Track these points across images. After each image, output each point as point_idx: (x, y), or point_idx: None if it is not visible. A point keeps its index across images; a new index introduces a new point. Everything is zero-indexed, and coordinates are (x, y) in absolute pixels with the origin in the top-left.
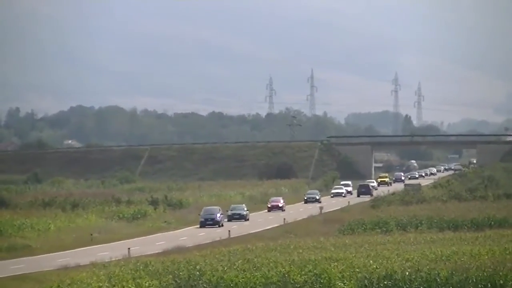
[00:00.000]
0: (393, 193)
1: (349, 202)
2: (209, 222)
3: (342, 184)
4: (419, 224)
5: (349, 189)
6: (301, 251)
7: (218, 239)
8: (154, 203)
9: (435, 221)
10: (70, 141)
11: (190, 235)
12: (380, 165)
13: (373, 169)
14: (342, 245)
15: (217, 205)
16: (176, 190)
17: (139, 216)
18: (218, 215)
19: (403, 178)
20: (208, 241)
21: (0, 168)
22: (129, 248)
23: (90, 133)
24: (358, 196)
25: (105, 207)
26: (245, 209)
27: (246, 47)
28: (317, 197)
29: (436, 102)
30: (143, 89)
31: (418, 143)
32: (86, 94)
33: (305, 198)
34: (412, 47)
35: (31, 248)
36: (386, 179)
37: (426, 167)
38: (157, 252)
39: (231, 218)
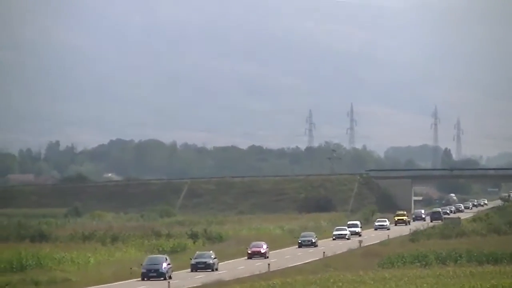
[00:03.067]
0: (433, 227)
1: (388, 236)
2: (152, 273)
3: (351, 224)
4: (458, 258)
5: (357, 229)
6: (340, 284)
7: (257, 272)
8: (193, 236)
9: (475, 254)
10: (109, 175)
11: (229, 269)
12: (420, 198)
13: (412, 202)
14: (381, 279)
15: (257, 240)
16: (216, 223)
17: (178, 249)
18: (164, 265)
19: (423, 215)
20: (247, 275)
21: (40, 201)
22: (169, 282)
23: (130, 166)
24: (431, 221)
25: (145, 241)
26: (213, 256)
27: (286, 81)
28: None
29: (475, 136)
30: (182, 123)
31: (457, 177)
32: (126, 127)
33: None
34: (451, 80)
35: (71, 281)
36: (404, 218)
37: (466, 200)
38: (196, 286)
39: (194, 267)
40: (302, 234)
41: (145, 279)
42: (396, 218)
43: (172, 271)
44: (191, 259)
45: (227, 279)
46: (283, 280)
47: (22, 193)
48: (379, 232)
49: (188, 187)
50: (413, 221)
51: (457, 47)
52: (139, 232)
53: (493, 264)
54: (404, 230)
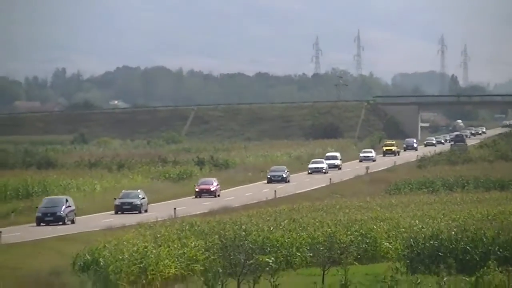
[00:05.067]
0: (440, 153)
1: (395, 162)
2: (48, 217)
3: (329, 156)
4: (465, 184)
5: (337, 162)
6: (347, 211)
7: (264, 199)
8: (200, 163)
9: (482, 181)
10: (116, 102)
11: (236, 195)
12: (427, 125)
13: (419, 129)
14: (388, 205)
15: (264, 166)
16: (222, 150)
17: (185, 176)
18: (63, 207)
19: (415, 145)
20: (255, 201)
21: (47, 128)
22: (175, 208)
23: (136, 93)
24: (455, 143)
25: (151, 168)
26: (141, 196)
27: (292, 7)
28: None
29: (482, 62)
30: (188, 49)
31: (464, 103)
32: (132, 55)
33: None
34: (458, 7)
35: (77, 208)
36: (393, 148)
37: (474, 126)
38: (203, 212)
39: (119, 209)
40: (272, 168)
41: (41, 224)
42: (385, 148)
43: (75, 214)
44: (115, 199)
45: (234, 205)
46: (290, 207)
47: (29, 120)
48: (364, 164)
49: (194, 114)
50: (404, 151)
51: None
52: (145, 159)
53: (500, 190)
54: (412, 156)
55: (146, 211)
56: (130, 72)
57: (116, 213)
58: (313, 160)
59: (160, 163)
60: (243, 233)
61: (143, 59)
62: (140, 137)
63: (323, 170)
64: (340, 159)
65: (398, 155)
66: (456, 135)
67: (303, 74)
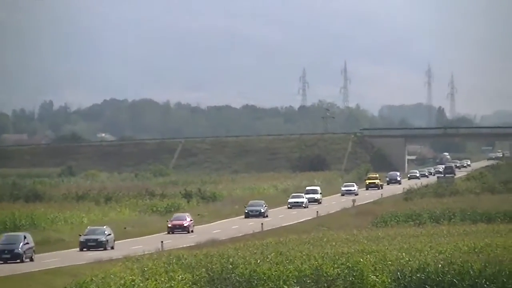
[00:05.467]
0: (426, 185)
1: (382, 194)
2: (5, 254)
3: (309, 190)
4: (452, 217)
5: (317, 196)
6: (334, 243)
7: (251, 232)
8: (187, 196)
9: (469, 213)
10: (103, 134)
11: (223, 228)
12: (413, 157)
13: (406, 161)
14: (375, 237)
15: (251, 198)
16: (210, 183)
17: (172, 209)
18: (21, 244)
19: (399, 178)
20: (241, 234)
21: (34, 161)
22: (162, 242)
23: (124, 126)
24: (444, 176)
25: (139, 201)
26: (107, 232)
27: (279, 39)
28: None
29: (469, 94)
30: (176, 83)
31: (451, 135)
32: (119, 87)
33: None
34: (445, 38)
35: (64, 241)
36: (376, 181)
37: (460, 159)
38: (190, 245)
39: (84, 245)
40: (250, 202)
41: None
42: (368, 181)
43: (34, 252)
44: (80, 235)
45: (221, 238)
46: (277, 240)
47: (16, 153)
48: (345, 198)
49: (182, 147)
50: (387, 184)
51: (452, 2)
52: (133, 192)
53: (487, 223)
54: (398, 188)
55: (112, 247)
56: (117, 105)
57: (81, 250)
58: (292, 194)
59: (148, 196)
60: (230, 266)
61: (130, 92)
62: (127, 170)
63: (303, 205)
64: (320, 193)
65: (382, 188)
66: (446, 167)
67: (289, 106)
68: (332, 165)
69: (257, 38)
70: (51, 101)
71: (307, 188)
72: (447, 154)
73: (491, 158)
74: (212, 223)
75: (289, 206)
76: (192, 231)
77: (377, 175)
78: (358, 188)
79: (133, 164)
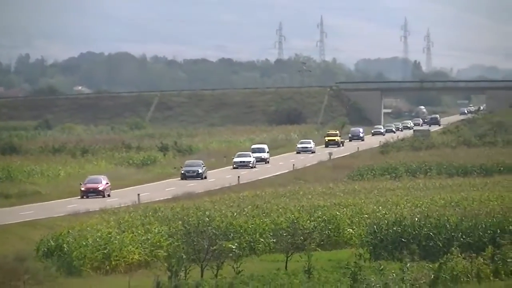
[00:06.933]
0: (403, 139)
1: (358, 148)
2: None
3: (256, 149)
4: (428, 170)
5: (264, 155)
6: (310, 197)
7: (227, 185)
8: (163, 149)
9: (445, 167)
10: (80, 87)
11: (199, 182)
12: (389, 111)
13: (382, 115)
14: (352, 191)
15: (227, 152)
16: (186, 136)
17: (148, 162)
18: None
19: (361, 134)
20: (218, 187)
21: (11, 114)
22: (138, 194)
23: (100, 79)
24: (429, 126)
25: (115, 153)
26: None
27: None
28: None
29: (445, 48)
30: (152, 36)
31: (427, 89)
32: (96, 41)
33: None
34: None
35: (41, 194)
36: (336, 138)
37: (435, 113)
38: (166, 198)
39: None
40: (186, 162)
41: None
42: (327, 138)
43: None
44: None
45: (198, 191)
46: (253, 193)
47: None
48: (301, 156)
49: (158, 100)
50: (350, 141)
51: None
52: (109, 144)
53: (463, 176)
54: (375, 142)
55: (109, 195)
56: (94, 58)
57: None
58: (238, 153)
59: (124, 149)
60: (207, 219)
61: (107, 45)
62: (104, 123)
63: (250, 164)
64: (268, 152)
65: (342, 145)
66: (431, 118)
67: (266, 60)
68: (308, 118)
69: None
70: (28, 54)
71: (253, 146)
72: (423, 107)
73: (463, 113)
74: None
75: (234, 166)
76: (108, 195)
77: (337, 132)
78: (316, 145)
79: (109, 117)
